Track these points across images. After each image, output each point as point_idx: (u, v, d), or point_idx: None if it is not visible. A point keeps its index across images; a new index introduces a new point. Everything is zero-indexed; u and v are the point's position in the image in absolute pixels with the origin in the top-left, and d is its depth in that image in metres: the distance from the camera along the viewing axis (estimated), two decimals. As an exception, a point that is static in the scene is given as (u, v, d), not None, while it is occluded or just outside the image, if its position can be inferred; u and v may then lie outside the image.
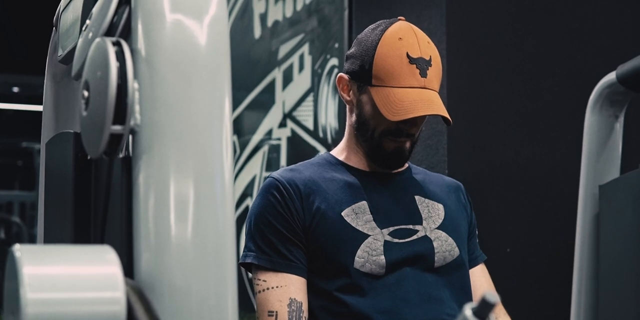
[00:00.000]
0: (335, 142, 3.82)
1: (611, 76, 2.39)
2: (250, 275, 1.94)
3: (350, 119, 1.98)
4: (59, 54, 1.48)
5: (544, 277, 3.08)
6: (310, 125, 4.08)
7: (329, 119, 3.92)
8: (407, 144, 1.95)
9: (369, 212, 1.90)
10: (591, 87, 2.37)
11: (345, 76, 1.96)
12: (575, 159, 2.51)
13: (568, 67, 3.22)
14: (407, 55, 1.87)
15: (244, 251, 1.92)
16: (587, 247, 2.46)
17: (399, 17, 1.97)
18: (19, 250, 0.92)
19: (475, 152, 3.08)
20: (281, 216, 1.88)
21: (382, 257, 1.86)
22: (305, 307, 1.85)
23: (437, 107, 1.86)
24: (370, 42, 1.91)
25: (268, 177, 1.96)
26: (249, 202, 4.42)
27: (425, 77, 1.87)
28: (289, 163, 4.20)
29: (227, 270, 1.00)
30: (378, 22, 1.97)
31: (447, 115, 1.86)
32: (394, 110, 1.85)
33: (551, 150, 3.16)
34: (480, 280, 2.07)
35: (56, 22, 1.53)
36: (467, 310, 0.90)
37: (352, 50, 1.96)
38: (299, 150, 4.17)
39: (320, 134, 3.98)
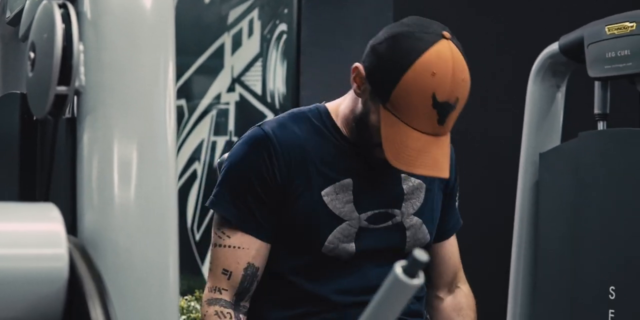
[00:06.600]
0: (283, 107, 3.84)
1: (554, 46, 2.43)
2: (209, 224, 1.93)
3: (356, 105, 1.82)
4: (6, 16, 1.49)
5: (484, 242, 3.14)
6: (258, 90, 4.09)
7: (277, 84, 3.93)
8: None
9: (351, 193, 1.84)
10: (534, 58, 2.41)
11: (363, 72, 1.77)
12: (517, 127, 2.55)
13: (511, 38, 3.26)
14: (433, 97, 1.71)
15: (215, 195, 1.85)
16: (527, 213, 2.51)
17: (443, 32, 1.74)
18: (-38, 207, 0.93)
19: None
20: (262, 178, 1.81)
21: (353, 244, 1.83)
22: (260, 273, 1.83)
23: (440, 168, 1.75)
24: (402, 61, 1.72)
25: (257, 127, 1.86)
26: (197, 166, 4.43)
27: (442, 125, 1.74)
28: (236, 128, 4.21)
29: (169, 230, 1.03)
30: (421, 33, 1.74)
31: (447, 176, 1.76)
32: (396, 154, 1.73)
33: (494, 119, 3.21)
34: (452, 250, 2.06)
35: (3, -17, 1.53)
36: (398, 268, 0.93)
37: (382, 46, 1.76)
38: (247, 114, 4.18)
39: (269, 99, 4.00)
